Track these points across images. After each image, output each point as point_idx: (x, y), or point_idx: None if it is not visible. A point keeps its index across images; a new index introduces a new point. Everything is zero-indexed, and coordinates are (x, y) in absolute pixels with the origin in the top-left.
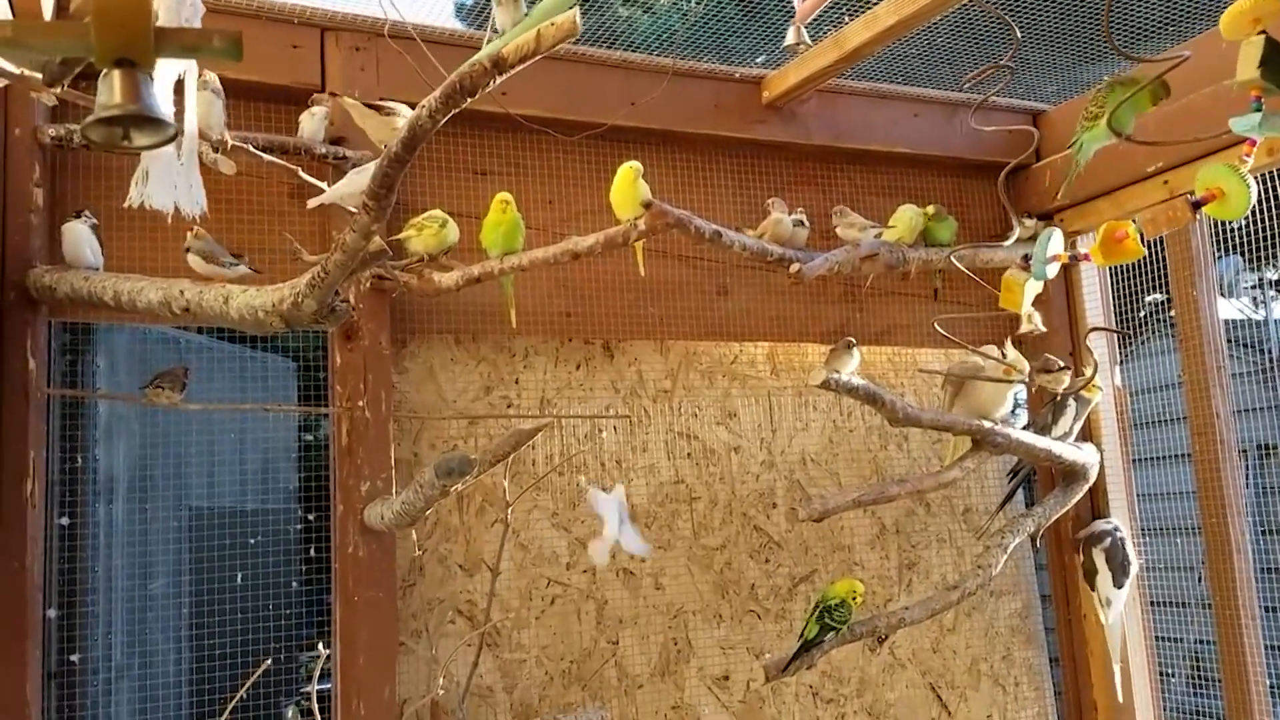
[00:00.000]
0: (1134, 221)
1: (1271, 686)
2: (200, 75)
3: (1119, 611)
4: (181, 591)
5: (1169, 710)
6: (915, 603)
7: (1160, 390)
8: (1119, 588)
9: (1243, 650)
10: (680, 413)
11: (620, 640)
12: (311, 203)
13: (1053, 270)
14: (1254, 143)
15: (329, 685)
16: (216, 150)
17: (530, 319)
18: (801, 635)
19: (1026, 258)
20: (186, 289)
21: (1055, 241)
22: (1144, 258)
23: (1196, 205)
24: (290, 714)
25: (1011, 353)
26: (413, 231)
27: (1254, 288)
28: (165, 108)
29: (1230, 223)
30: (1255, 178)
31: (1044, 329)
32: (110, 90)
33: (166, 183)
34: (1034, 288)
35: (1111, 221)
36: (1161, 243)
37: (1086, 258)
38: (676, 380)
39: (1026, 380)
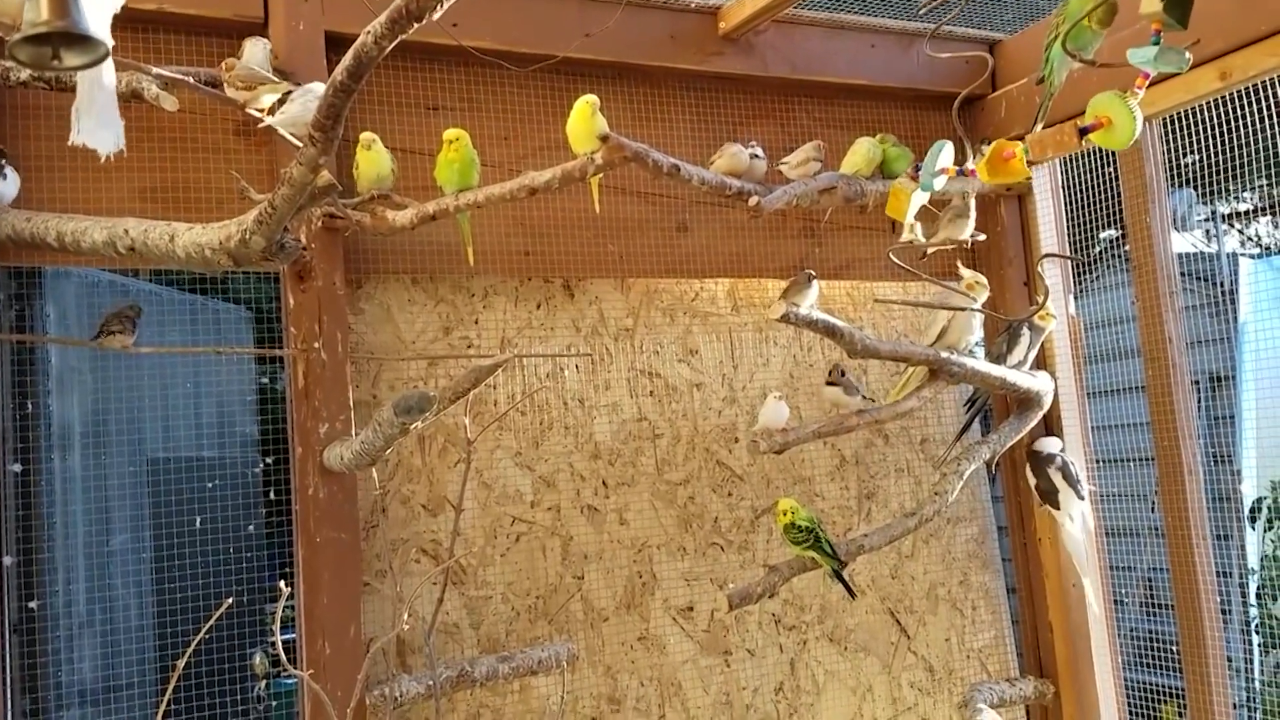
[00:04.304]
0: (1022, 143)
1: (1222, 610)
2: None
3: (1087, 523)
4: (142, 540)
5: (1123, 634)
6: (874, 530)
7: (1115, 324)
8: (1082, 499)
9: (1194, 573)
10: (642, 351)
11: (585, 575)
12: (262, 124)
13: (940, 183)
14: (1147, 75)
15: (294, 636)
16: (163, 87)
17: (489, 258)
18: (833, 569)
19: (917, 168)
20: (131, 228)
21: (945, 155)
22: (1098, 190)
23: (1083, 132)
24: (258, 659)
25: (967, 273)
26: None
27: (1206, 221)
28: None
29: (1183, 155)
30: (1211, 104)
31: (924, 240)
32: (37, 7)
33: (103, 120)
34: (919, 198)
35: (1000, 140)
36: (1116, 174)
37: (973, 173)
38: (638, 318)
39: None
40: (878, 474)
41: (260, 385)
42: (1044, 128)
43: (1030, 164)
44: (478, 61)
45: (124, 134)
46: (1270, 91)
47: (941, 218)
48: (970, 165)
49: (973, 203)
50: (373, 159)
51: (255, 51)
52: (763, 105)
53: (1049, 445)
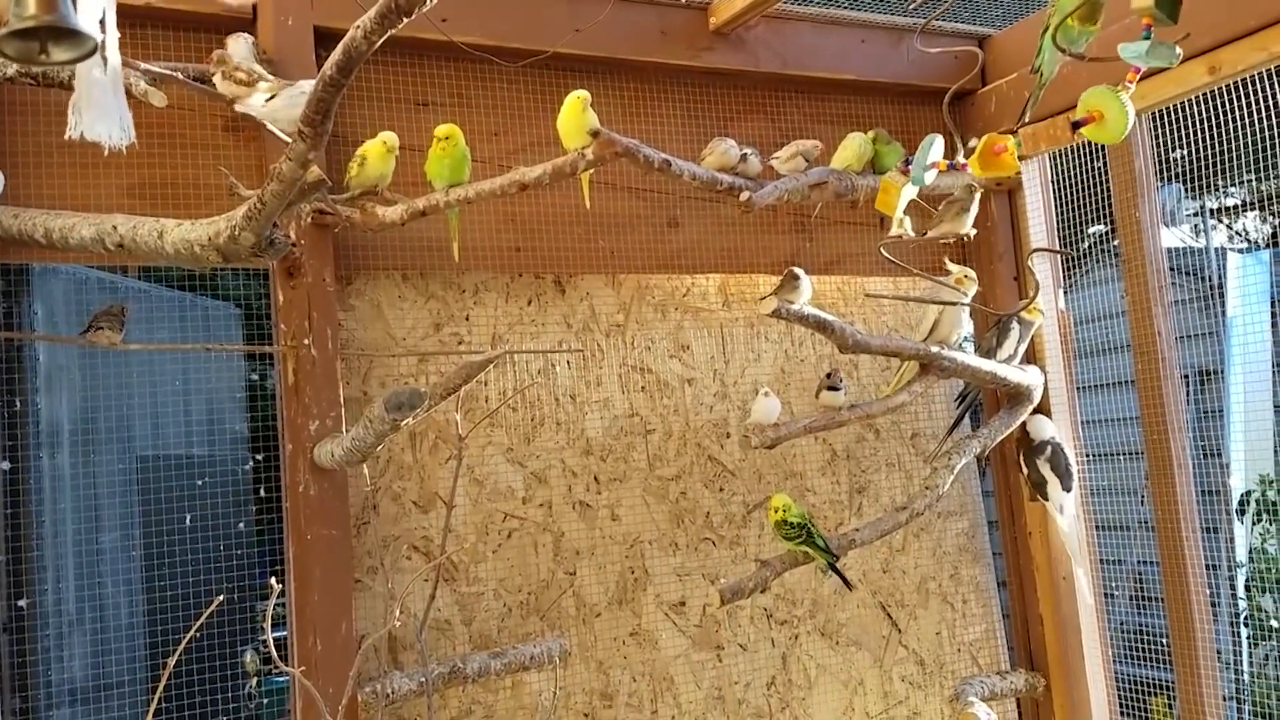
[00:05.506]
0: (1014, 137)
1: (1211, 603)
2: None
3: (1072, 515)
4: (131, 538)
5: (1113, 628)
6: (865, 524)
7: (1104, 319)
8: (1068, 491)
9: (1184, 566)
10: (633, 346)
11: (577, 571)
12: (239, 107)
13: (930, 177)
14: (1138, 70)
15: (285, 633)
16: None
17: (480, 254)
18: (828, 562)
19: (907, 162)
20: (120, 224)
21: (936, 149)
22: (1087, 186)
23: (1075, 126)
24: (249, 657)
25: (955, 268)
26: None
27: (1195, 216)
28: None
29: (1171, 150)
30: (1199, 99)
31: (913, 234)
32: (24, 1)
33: (103, 112)
34: (909, 192)
35: (992, 134)
36: (1105, 168)
37: (964, 167)
38: (629, 314)
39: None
40: (869, 469)
41: (250, 382)
42: (1031, 122)
43: (1021, 158)
44: (468, 57)
45: (133, 126)
46: (1259, 86)
47: (946, 211)
48: (961, 159)
49: (977, 197)
50: (386, 160)
51: (239, 48)
52: (753, 100)
53: (1042, 431)
